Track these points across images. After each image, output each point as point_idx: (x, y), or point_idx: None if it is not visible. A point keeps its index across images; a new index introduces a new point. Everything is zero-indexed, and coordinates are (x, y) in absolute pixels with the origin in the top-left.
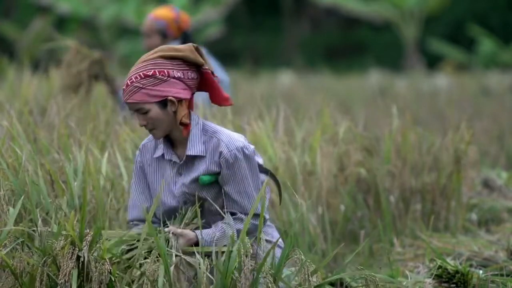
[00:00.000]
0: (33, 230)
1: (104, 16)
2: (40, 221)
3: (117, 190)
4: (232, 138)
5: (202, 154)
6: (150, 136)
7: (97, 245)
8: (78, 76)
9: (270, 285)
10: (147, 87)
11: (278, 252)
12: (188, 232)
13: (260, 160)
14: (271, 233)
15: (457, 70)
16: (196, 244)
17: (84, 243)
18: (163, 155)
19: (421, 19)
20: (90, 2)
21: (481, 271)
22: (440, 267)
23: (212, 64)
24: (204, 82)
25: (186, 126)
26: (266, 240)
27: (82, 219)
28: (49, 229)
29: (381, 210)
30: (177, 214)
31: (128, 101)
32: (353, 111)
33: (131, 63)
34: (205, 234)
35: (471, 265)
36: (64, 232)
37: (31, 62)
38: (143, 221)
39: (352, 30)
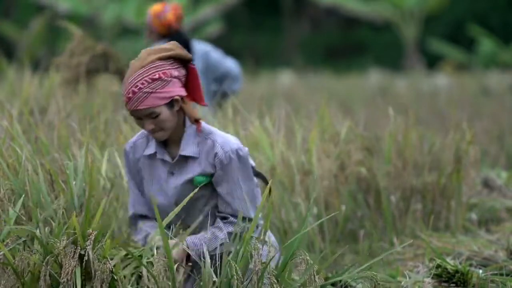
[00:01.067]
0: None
1: (104, 16)
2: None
3: (117, 190)
4: (227, 140)
5: (196, 156)
6: (140, 133)
7: (99, 244)
8: (77, 68)
9: (275, 285)
10: (157, 91)
11: (265, 250)
12: (174, 254)
13: (252, 163)
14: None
15: (457, 70)
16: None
17: (88, 242)
18: (155, 153)
19: (421, 19)
20: (90, 2)
21: (480, 271)
22: (439, 266)
23: (222, 57)
24: (189, 78)
25: (198, 121)
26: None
27: (86, 218)
28: (51, 228)
29: (381, 209)
30: (166, 213)
31: (139, 107)
32: (353, 111)
33: None
34: (193, 240)
35: (471, 265)
36: (68, 231)
37: (31, 62)
38: (144, 217)
39: (352, 30)
